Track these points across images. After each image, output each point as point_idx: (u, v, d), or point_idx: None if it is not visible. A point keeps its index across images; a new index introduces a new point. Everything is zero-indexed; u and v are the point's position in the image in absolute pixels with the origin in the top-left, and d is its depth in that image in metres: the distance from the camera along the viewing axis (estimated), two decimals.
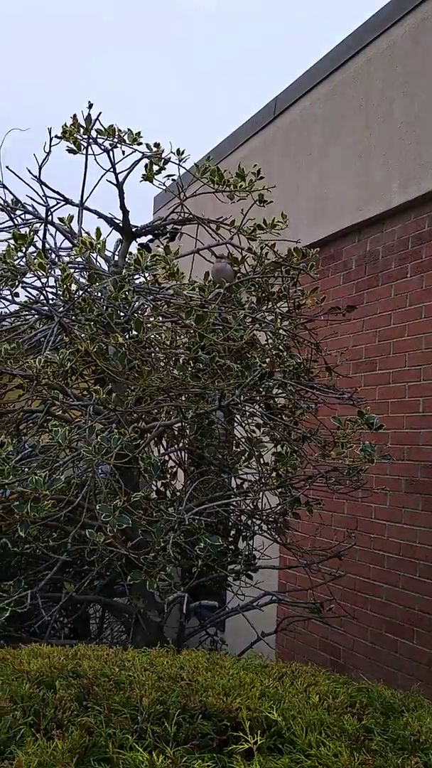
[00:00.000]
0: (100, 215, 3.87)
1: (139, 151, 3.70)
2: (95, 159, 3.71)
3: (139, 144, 3.75)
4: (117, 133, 3.72)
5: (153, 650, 2.42)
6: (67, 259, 3.80)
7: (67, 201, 3.87)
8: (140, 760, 1.65)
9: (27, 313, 3.79)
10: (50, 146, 3.65)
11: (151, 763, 1.63)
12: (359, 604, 4.83)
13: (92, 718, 1.81)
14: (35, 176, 3.73)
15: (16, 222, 3.81)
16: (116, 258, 3.90)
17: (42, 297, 3.58)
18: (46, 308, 3.55)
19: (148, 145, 3.72)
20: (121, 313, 3.53)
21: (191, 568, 3.64)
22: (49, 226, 3.81)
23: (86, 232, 3.59)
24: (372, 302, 4.99)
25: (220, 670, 2.18)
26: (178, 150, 3.73)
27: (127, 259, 3.82)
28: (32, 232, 3.32)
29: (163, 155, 3.75)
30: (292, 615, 4.16)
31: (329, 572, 4.10)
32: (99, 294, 3.43)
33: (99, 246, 3.28)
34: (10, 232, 3.41)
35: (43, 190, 3.80)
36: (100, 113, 3.66)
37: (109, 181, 3.72)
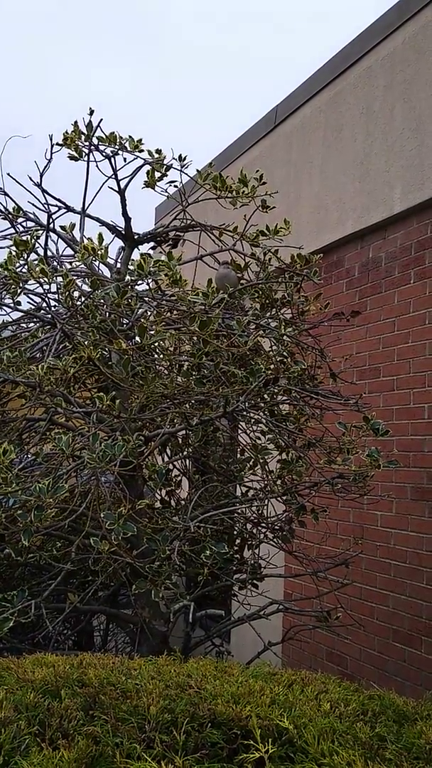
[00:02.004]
0: (102, 222, 3.86)
1: (141, 158, 3.70)
2: (97, 166, 3.70)
3: (141, 151, 3.76)
4: (118, 140, 3.72)
5: (160, 659, 2.38)
6: (69, 266, 3.78)
7: (69, 208, 3.86)
8: None
9: (29, 321, 3.76)
10: (51, 153, 3.64)
11: None
12: (366, 613, 4.77)
13: (99, 728, 1.77)
14: (36, 183, 3.72)
15: (17, 229, 3.79)
16: (119, 265, 3.89)
17: (44, 304, 3.56)
18: (48, 316, 3.53)
19: (149, 152, 3.72)
20: (125, 320, 3.51)
21: (197, 577, 3.60)
22: (51, 234, 3.79)
23: (88, 239, 3.57)
24: (375, 309, 4.96)
25: (228, 678, 2.13)
26: (180, 156, 3.73)
27: (129, 266, 3.80)
28: (34, 239, 3.30)
29: (164, 162, 3.74)
30: (298, 624, 4.11)
31: (336, 580, 4.05)
32: (102, 301, 3.40)
33: (101, 252, 3.26)
34: (11, 239, 3.39)
35: (45, 197, 3.79)
36: (101, 120, 3.66)
37: (111, 188, 3.71)
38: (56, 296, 3.57)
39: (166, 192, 3.81)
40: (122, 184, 3.74)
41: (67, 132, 3.65)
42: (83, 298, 3.41)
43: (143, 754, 1.68)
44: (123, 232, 3.86)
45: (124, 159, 3.76)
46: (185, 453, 4.27)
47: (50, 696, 1.96)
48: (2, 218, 3.77)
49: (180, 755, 1.68)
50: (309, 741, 1.77)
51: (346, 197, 5.23)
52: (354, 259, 5.24)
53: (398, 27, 4.81)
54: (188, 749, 1.73)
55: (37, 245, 3.41)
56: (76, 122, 3.64)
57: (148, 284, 3.65)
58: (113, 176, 3.71)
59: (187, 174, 3.73)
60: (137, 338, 3.47)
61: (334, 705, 2.00)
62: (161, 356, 3.75)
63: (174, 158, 3.74)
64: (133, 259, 3.86)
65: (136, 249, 3.97)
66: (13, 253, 3.25)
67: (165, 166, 3.73)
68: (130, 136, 3.75)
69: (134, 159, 3.75)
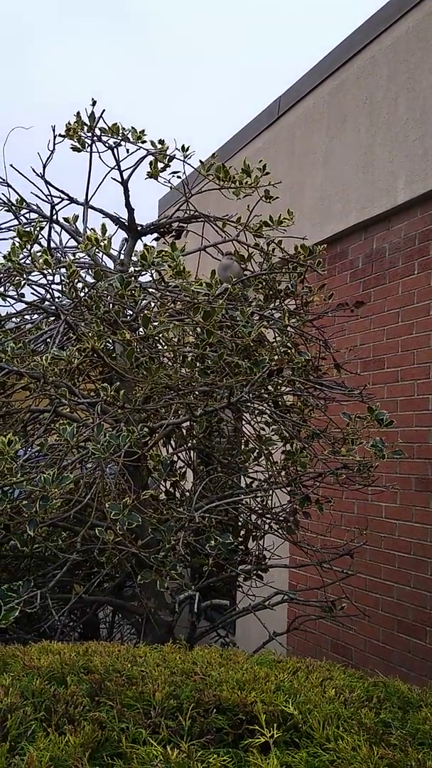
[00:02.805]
0: (105, 214, 3.86)
1: (144, 149, 3.70)
2: (99, 157, 3.70)
3: (143, 142, 3.75)
4: (121, 131, 3.72)
5: (165, 646, 2.39)
6: (72, 257, 3.78)
7: (72, 200, 3.86)
8: (154, 754, 1.61)
9: (33, 312, 3.77)
10: (54, 144, 3.63)
11: (165, 757, 1.59)
12: (371, 604, 4.78)
13: (104, 713, 1.78)
14: (39, 174, 3.72)
15: (21, 221, 3.80)
16: (122, 256, 3.89)
17: (48, 295, 3.56)
18: (53, 307, 3.53)
19: (152, 142, 3.71)
20: (129, 311, 3.51)
21: (201, 568, 3.60)
22: (54, 225, 3.79)
23: (91, 230, 3.57)
24: (379, 300, 4.95)
25: (233, 665, 2.14)
26: (182, 146, 3.72)
27: (132, 257, 3.80)
28: (37, 230, 3.30)
29: (167, 153, 3.74)
30: (303, 615, 4.12)
31: (340, 571, 4.06)
32: (106, 292, 3.40)
33: (105, 242, 3.26)
34: (15, 231, 3.40)
35: (48, 189, 3.79)
36: (104, 110, 3.66)
37: (114, 179, 3.71)
38: (60, 287, 3.57)
39: (169, 183, 3.80)
40: (125, 175, 3.73)
41: (69, 123, 3.64)
42: (87, 289, 3.40)
43: (149, 738, 1.68)
44: (126, 223, 3.85)
45: (127, 150, 3.76)
46: (189, 444, 4.27)
47: (56, 683, 1.97)
48: (6, 210, 3.77)
49: (186, 740, 1.69)
50: (314, 726, 1.77)
51: (349, 188, 5.21)
52: (358, 250, 5.23)
53: (402, 16, 4.80)
54: (194, 734, 1.73)
55: (40, 236, 3.41)
56: (78, 113, 3.63)
57: (151, 275, 3.65)
58: (116, 167, 3.71)
59: (190, 164, 3.73)
60: (141, 329, 3.46)
61: (338, 691, 2.00)
62: (165, 347, 3.74)
63: (177, 149, 3.74)
64: (136, 251, 3.86)
65: (139, 240, 3.97)
66: (17, 244, 3.25)
67: (168, 157, 3.72)
68: (132, 127, 3.75)
69: (137, 150, 3.75)
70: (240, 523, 4.29)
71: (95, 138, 3.69)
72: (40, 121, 3.74)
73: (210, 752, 1.67)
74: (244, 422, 4.21)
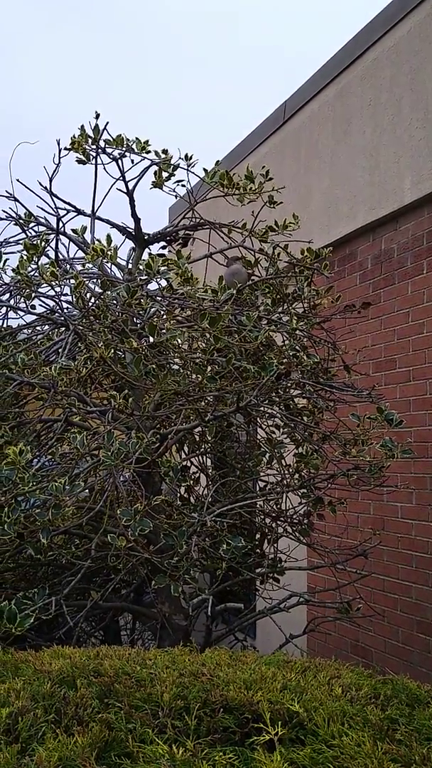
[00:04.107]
0: (112, 224, 3.91)
1: (148, 159, 3.74)
2: (104, 168, 3.76)
3: (148, 152, 3.80)
4: (125, 143, 3.77)
5: (175, 649, 2.42)
6: (80, 268, 3.84)
7: (79, 211, 3.91)
8: (160, 753, 1.64)
9: (43, 323, 3.82)
10: (60, 157, 3.70)
11: (171, 755, 1.62)
12: (390, 605, 4.77)
13: (113, 715, 1.81)
14: (45, 188, 3.78)
15: (28, 234, 3.86)
16: (130, 266, 3.93)
17: (57, 306, 3.61)
18: (61, 318, 3.58)
19: (156, 152, 3.76)
20: (137, 320, 3.55)
21: (216, 572, 3.62)
22: (62, 237, 3.85)
23: (98, 240, 3.63)
24: (389, 300, 4.96)
25: (242, 666, 2.16)
26: (186, 155, 3.76)
27: (139, 266, 3.85)
28: (44, 242, 3.36)
29: (171, 162, 3.79)
30: (320, 616, 4.12)
31: (357, 572, 4.06)
32: (114, 301, 3.45)
33: (110, 253, 3.31)
34: (22, 244, 3.45)
35: (54, 201, 3.84)
36: (108, 123, 3.72)
37: (120, 190, 3.76)
38: (69, 298, 3.62)
39: (174, 192, 3.85)
40: (130, 185, 3.79)
41: (74, 136, 3.70)
42: (94, 299, 3.45)
43: (156, 738, 1.71)
44: (133, 233, 3.90)
45: (132, 161, 3.81)
46: (202, 449, 4.30)
47: (66, 686, 2.00)
48: (14, 223, 3.84)
49: (192, 739, 1.71)
50: (319, 723, 1.79)
51: (356, 190, 5.23)
52: (366, 251, 5.24)
53: (403, 17, 4.82)
54: (200, 733, 1.76)
55: (48, 249, 3.46)
56: (82, 126, 3.69)
57: (158, 283, 3.69)
58: (121, 178, 3.76)
59: (194, 173, 3.77)
60: (149, 337, 3.50)
61: (345, 689, 2.02)
62: (174, 354, 3.78)
63: (180, 158, 3.78)
64: (143, 259, 3.91)
65: (146, 249, 4.02)
66: (25, 257, 3.31)
67: (172, 166, 3.77)
68: (136, 138, 3.80)
69: (142, 160, 3.80)
70: (256, 527, 4.30)
71: (100, 150, 3.75)
72: (41, 133, 3.80)
73: (216, 750, 1.69)
74: (256, 426, 4.24)
